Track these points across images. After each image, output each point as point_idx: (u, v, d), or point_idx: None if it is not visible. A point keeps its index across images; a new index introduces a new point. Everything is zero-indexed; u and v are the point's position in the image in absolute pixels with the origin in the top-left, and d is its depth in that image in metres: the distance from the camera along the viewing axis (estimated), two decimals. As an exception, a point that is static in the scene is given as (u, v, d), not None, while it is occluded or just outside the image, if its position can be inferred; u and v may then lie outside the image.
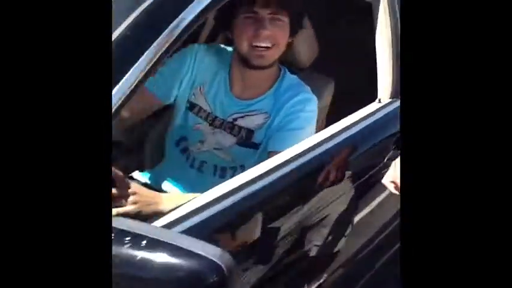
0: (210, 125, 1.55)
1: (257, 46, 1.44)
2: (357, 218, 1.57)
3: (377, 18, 1.55)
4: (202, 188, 1.16)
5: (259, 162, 1.33)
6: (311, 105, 1.49)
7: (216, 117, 1.55)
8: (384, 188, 1.60)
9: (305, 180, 1.33)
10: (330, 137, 1.38)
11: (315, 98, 1.51)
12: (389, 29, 1.54)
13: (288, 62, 1.61)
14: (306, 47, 1.62)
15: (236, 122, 1.53)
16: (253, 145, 1.51)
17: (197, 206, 1.05)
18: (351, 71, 1.85)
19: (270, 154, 1.40)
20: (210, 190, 1.12)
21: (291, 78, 1.56)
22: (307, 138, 1.38)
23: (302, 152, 1.30)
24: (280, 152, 1.32)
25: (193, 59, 1.58)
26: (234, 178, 1.19)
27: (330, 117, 1.65)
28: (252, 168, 1.23)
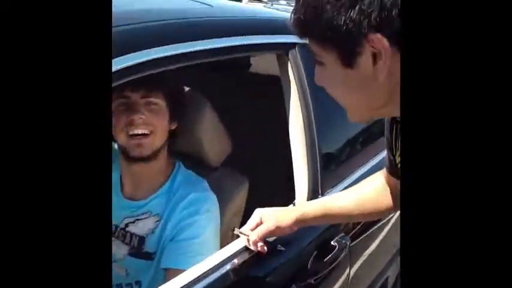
0: None
1: (133, 134, 1.31)
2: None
3: (289, 104, 1.48)
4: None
5: (156, 279, 1.23)
6: (206, 205, 1.33)
7: None
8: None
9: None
10: (242, 249, 1.23)
11: (211, 195, 1.36)
12: (301, 115, 1.45)
13: (196, 161, 1.49)
14: (214, 144, 1.49)
15: (128, 228, 1.36)
16: (146, 255, 1.34)
17: None
18: (267, 166, 1.75)
19: (167, 272, 1.24)
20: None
21: (185, 173, 1.42)
22: (213, 251, 1.24)
23: (209, 269, 1.15)
24: (175, 269, 1.17)
25: None
26: None
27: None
28: None
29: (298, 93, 1.46)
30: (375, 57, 0.79)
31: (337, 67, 0.83)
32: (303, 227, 1.23)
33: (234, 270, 1.20)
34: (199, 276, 1.13)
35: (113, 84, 1.05)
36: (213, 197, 1.36)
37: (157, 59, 1.09)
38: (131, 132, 1.30)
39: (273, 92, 1.58)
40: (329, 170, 1.54)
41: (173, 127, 1.38)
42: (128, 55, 1.05)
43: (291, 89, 1.47)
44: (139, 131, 1.30)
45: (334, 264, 1.35)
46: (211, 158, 1.50)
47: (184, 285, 1.10)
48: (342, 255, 1.42)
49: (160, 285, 1.12)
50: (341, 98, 0.90)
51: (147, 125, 1.31)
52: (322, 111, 1.51)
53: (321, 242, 1.43)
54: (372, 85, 0.82)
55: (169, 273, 1.23)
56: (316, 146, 1.48)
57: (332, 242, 1.43)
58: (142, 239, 1.35)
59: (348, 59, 0.81)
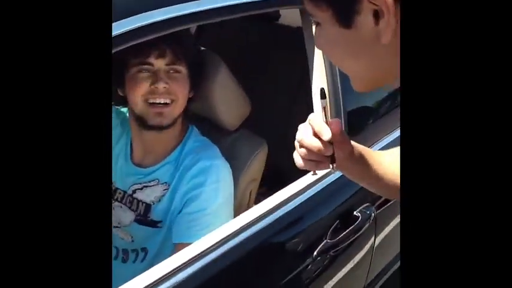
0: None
1: (154, 103, 1.27)
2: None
3: (312, 62, 1.41)
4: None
5: (163, 248, 1.22)
6: (216, 174, 1.28)
7: (116, 189, 1.38)
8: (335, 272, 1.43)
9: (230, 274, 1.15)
10: (258, 218, 1.20)
11: (221, 163, 1.31)
12: (325, 73, 1.38)
13: (211, 125, 1.44)
14: (230, 107, 1.44)
15: (135, 195, 1.35)
16: (152, 223, 1.32)
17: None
18: (288, 128, 1.69)
19: (177, 246, 1.22)
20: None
21: (196, 139, 1.37)
22: (224, 221, 1.20)
23: (220, 240, 1.12)
24: (187, 243, 1.14)
25: None
26: (140, 277, 1.02)
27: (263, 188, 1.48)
28: (160, 264, 1.06)
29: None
30: (377, 15, 0.69)
31: (334, 28, 0.73)
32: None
33: (250, 239, 1.17)
34: (212, 245, 1.11)
35: (130, 44, 1.02)
36: (224, 164, 1.32)
37: (176, 17, 1.05)
38: (152, 101, 1.27)
39: (295, 50, 1.51)
40: (355, 133, 1.48)
41: (191, 95, 1.35)
42: (145, 13, 1.00)
43: (315, 46, 1.41)
44: (162, 100, 1.27)
45: (357, 235, 1.31)
46: (226, 122, 1.44)
47: (197, 255, 1.09)
48: (366, 226, 1.37)
49: (169, 254, 1.10)
50: (341, 64, 0.79)
51: (170, 94, 1.27)
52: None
53: (343, 212, 1.37)
54: (375, 48, 0.71)
55: (179, 247, 1.20)
56: (341, 106, 1.42)
57: (355, 213, 1.38)
58: (148, 207, 1.33)
59: (345, 18, 0.71)
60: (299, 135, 0.88)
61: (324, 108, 0.85)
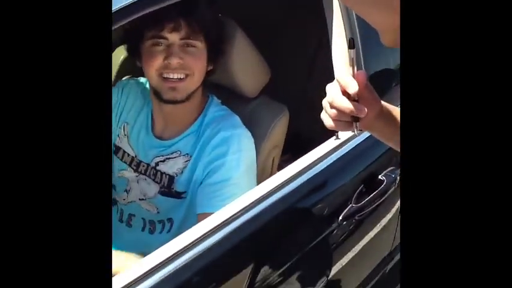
0: (135, 171, 1.41)
1: (168, 78, 1.28)
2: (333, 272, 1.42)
3: (331, 23, 1.40)
4: (133, 246, 1.13)
5: (188, 218, 1.27)
6: (237, 144, 1.29)
7: (140, 161, 1.41)
8: (359, 239, 1.45)
9: (251, 241, 1.17)
10: (282, 184, 1.21)
11: (243, 132, 1.32)
12: (345, 34, 1.36)
13: (231, 93, 1.45)
14: (249, 74, 1.43)
15: (158, 167, 1.37)
16: (176, 194, 1.35)
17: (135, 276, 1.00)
18: (308, 92, 1.69)
19: (200, 216, 1.24)
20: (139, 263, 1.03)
21: (216, 109, 1.38)
22: (247, 189, 1.22)
23: (244, 208, 1.14)
24: (210, 214, 1.16)
25: (119, 95, 1.45)
26: (168, 245, 1.06)
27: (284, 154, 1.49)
28: (187, 232, 1.10)
29: (341, 10, 1.38)
30: None
31: None
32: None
33: (275, 205, 1.19)
34: (236, 213, 1.13)
35: (144, 12, 1.03)
36: (246, 133, 1.32)
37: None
38: (166, 76, 1.28)
39: (313, 11, 1.50)
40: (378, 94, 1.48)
41: (210, 68, 1.34)
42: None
43: (334, 6, 1.40)
44: (175, 76, 1.28)
45: (382, 199, 1.31)
46: (246, 89, 1.44)
47: (222, 223, 1.11)
48: (391, 189, 1.38)
49: (193, 224, 1.13)
50: (365, 14, 0.75)
51: (184, 69, 1.28)
52: (369, 29, 1.42)
53: (367, 176, 1.38)
54: None
55: (202, 217, 1.22)
56: (363, 69, 1.42)
57: (380, 176, 1.38)
58: (172, 178, 1.35)
59: None
60: (329, 96, 0.86)
61: (353, 60, 0.84)
